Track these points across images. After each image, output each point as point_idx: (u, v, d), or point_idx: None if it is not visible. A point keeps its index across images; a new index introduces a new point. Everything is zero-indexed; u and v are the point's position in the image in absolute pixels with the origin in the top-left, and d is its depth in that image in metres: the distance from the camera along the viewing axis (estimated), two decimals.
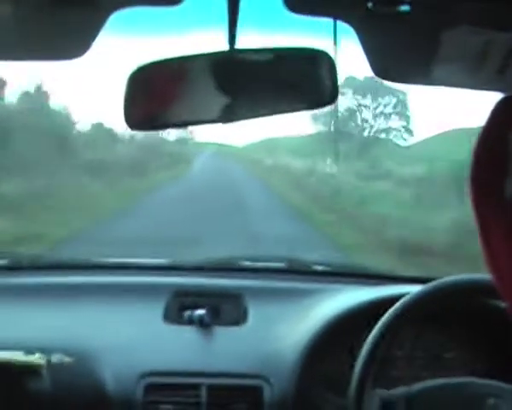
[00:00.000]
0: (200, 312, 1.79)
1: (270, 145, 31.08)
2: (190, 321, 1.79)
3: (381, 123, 25.23)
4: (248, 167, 23.59)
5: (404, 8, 0.85)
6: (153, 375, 1.65)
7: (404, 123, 25.30)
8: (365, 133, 25.17)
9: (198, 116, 1.04)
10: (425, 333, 1.75)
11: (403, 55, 0.95)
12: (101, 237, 7.72)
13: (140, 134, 19.19)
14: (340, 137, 23.68)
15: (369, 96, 24.97)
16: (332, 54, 1.01)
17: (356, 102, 25.09)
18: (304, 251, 5.64)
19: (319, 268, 2.18)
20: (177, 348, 1.74)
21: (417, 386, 1.50)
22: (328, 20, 0.94)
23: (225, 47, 0.98)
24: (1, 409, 1.60)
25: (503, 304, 1.56)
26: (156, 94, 1.03)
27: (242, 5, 0.92)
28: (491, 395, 1.45)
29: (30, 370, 1.60)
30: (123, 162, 16.93)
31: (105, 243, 6.55)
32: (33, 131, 13.92)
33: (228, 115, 1.02)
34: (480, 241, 0.72)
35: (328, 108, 17.61)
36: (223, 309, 1.85)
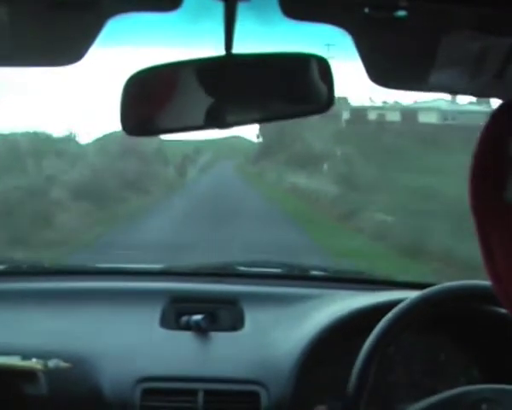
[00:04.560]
0: (197, 317, 1.78)
1: None
2: (187, 327, 1.79)
3: None
4: None
5: (401, 13, 0.85)
6: (150, 380, 1.64)
7: None
8: None
9: (194, 121, 1.04)
10: (422, 339, 1.75)
11: (400, 61, 0.94)
12: None
13: None
14: None
15: None
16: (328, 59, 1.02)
17: None
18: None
19: (315, 273, 2.18)
20: (173, 353, 1.74)
21: (413, 408, 1.48)
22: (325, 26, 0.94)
23: (222, 52, 0.98)
24: None
25: (500, 310, 1.56)
26: (153, 99, 1.03)
27: (239, 10, 0.92)
28: (486, 399, 1.45)
29: (27, 375, 1.60)
30: None
31: None
32: None
33: (225, 121, 1.02)
34: (479, 245, 0.71)
35: None
36: (219, 315, 1.84)
